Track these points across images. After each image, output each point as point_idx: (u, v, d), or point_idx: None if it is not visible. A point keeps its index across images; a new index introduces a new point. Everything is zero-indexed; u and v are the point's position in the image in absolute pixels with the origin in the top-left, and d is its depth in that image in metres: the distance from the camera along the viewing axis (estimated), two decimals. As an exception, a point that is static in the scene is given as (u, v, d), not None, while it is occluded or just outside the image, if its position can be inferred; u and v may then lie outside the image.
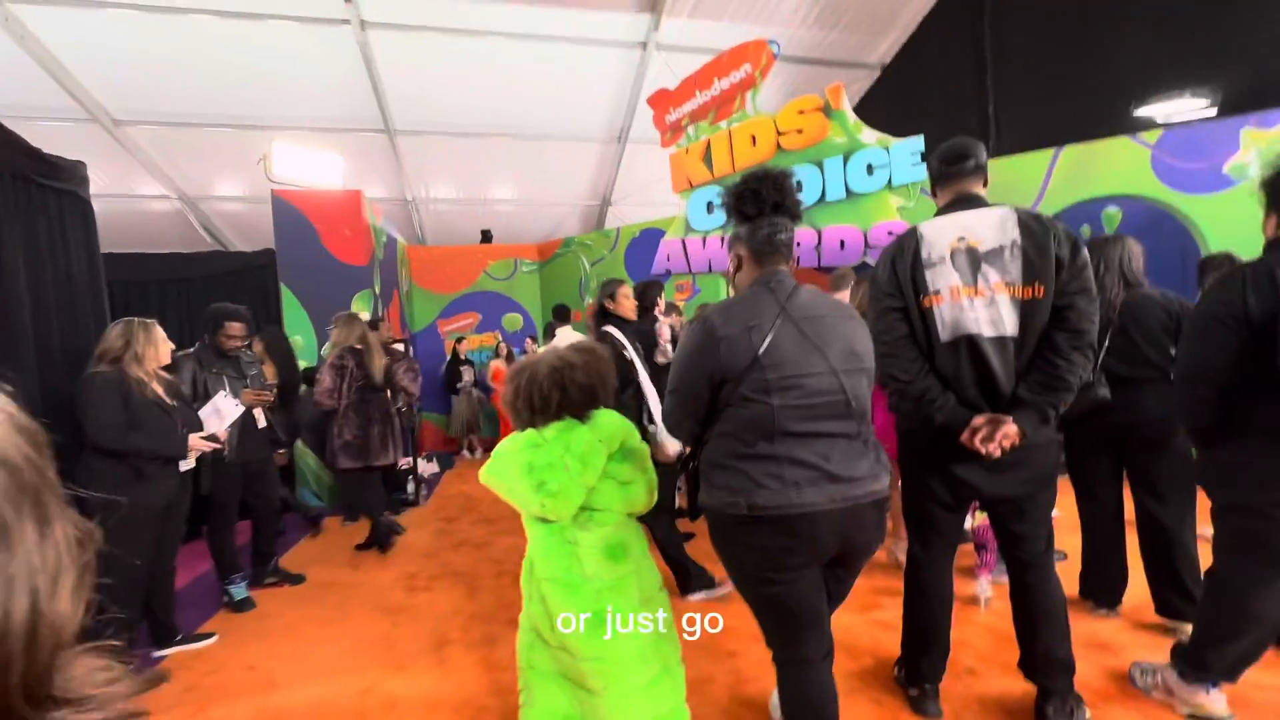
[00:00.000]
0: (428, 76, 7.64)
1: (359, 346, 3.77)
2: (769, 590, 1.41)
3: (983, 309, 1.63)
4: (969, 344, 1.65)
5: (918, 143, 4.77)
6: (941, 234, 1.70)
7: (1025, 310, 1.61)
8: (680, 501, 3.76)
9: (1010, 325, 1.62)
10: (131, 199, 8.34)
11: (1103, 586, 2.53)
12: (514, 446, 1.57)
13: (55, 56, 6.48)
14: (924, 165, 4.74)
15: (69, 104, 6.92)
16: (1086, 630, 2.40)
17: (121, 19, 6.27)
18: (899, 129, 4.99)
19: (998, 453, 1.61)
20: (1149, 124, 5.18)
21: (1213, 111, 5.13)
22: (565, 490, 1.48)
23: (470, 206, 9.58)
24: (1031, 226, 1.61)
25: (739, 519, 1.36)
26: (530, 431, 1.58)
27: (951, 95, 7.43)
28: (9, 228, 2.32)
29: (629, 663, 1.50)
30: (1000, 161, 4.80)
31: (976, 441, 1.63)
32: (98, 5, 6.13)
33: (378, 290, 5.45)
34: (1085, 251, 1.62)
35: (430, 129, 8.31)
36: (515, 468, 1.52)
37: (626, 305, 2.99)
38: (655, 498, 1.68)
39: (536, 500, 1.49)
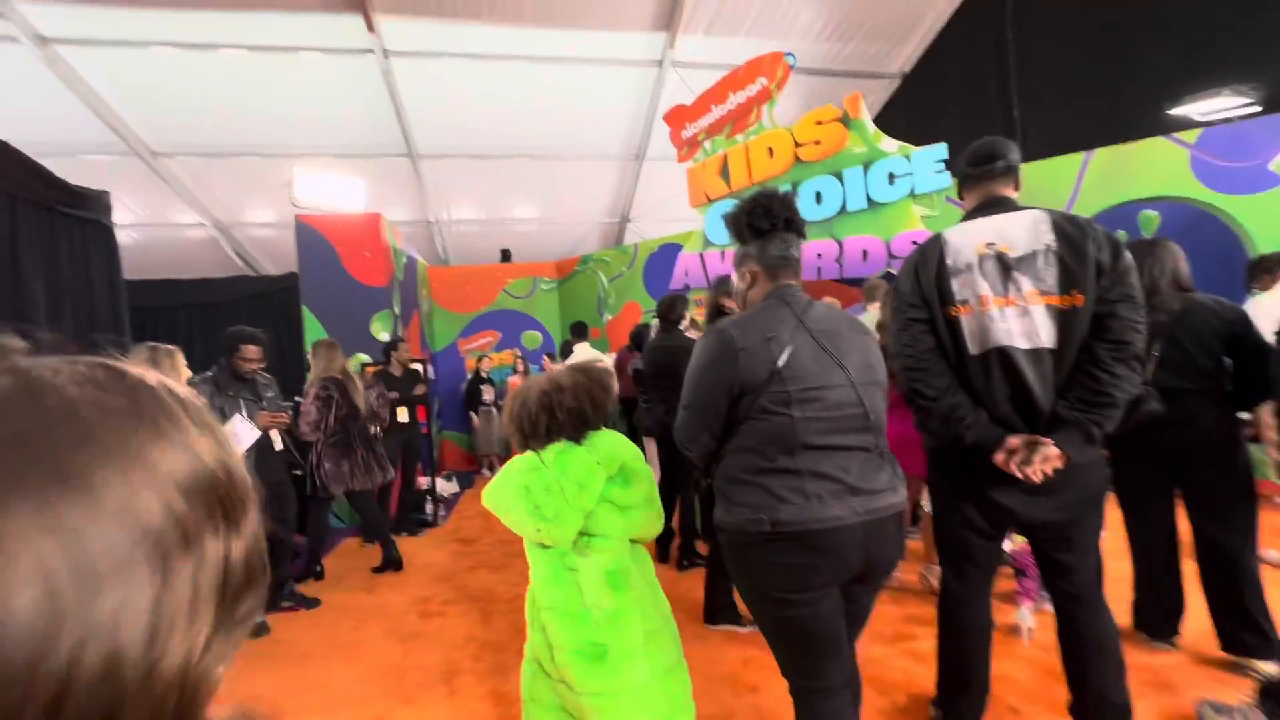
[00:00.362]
0: (448, 101, 7.82)
1: (340, 376, 3.76)
2: (789, 613, 1.35)
3: (1015, 319, 1.51)
4: (1001, 357, 1.53)
5: (940, 150, 4.65)
6: (968, 240, 1.58)
7: (1063, 320, 1.48)
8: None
9: (1047, 336, 1.50)
10: (169, 227, 8.67)
11: (1159, 617, 2.33)
12: (513, 469, 1.53)
13: (98, 94, 6.80)
14: (947, 173, 4.61)
15: (111, 139, 7.25)
16: (1143, 666, 2.21)
17: (161, 56, 6.56)
18: (921, 137, 4.87)
19: (1038, 478, 1.48)
20: (1186, 123, 4.96)
21: (1256, 108, 4.89)
22: (561, 515, 1.43)
23: (491, 226, 9.71)
24: (1067, 230, 1.49)
25: (760, 537, 1.31)
26: (529, 454, 1.53)
27: (975, 101, 7.28)
28: (30, 255, 2.38)
29: (631, 699, 1.41)
30: (1029, 166, 4.60)
31: (1013, 465, 1.50)
32: (139, 44, 6.42)
33: (397, 311, 5.50)
34: (1128, 255, 1.49)
35: (452, 152, 8.47)
36: (512, 490, 1.48)
37: None
38: (662, 524, 1.59)
39: (532, 525, 1.44)
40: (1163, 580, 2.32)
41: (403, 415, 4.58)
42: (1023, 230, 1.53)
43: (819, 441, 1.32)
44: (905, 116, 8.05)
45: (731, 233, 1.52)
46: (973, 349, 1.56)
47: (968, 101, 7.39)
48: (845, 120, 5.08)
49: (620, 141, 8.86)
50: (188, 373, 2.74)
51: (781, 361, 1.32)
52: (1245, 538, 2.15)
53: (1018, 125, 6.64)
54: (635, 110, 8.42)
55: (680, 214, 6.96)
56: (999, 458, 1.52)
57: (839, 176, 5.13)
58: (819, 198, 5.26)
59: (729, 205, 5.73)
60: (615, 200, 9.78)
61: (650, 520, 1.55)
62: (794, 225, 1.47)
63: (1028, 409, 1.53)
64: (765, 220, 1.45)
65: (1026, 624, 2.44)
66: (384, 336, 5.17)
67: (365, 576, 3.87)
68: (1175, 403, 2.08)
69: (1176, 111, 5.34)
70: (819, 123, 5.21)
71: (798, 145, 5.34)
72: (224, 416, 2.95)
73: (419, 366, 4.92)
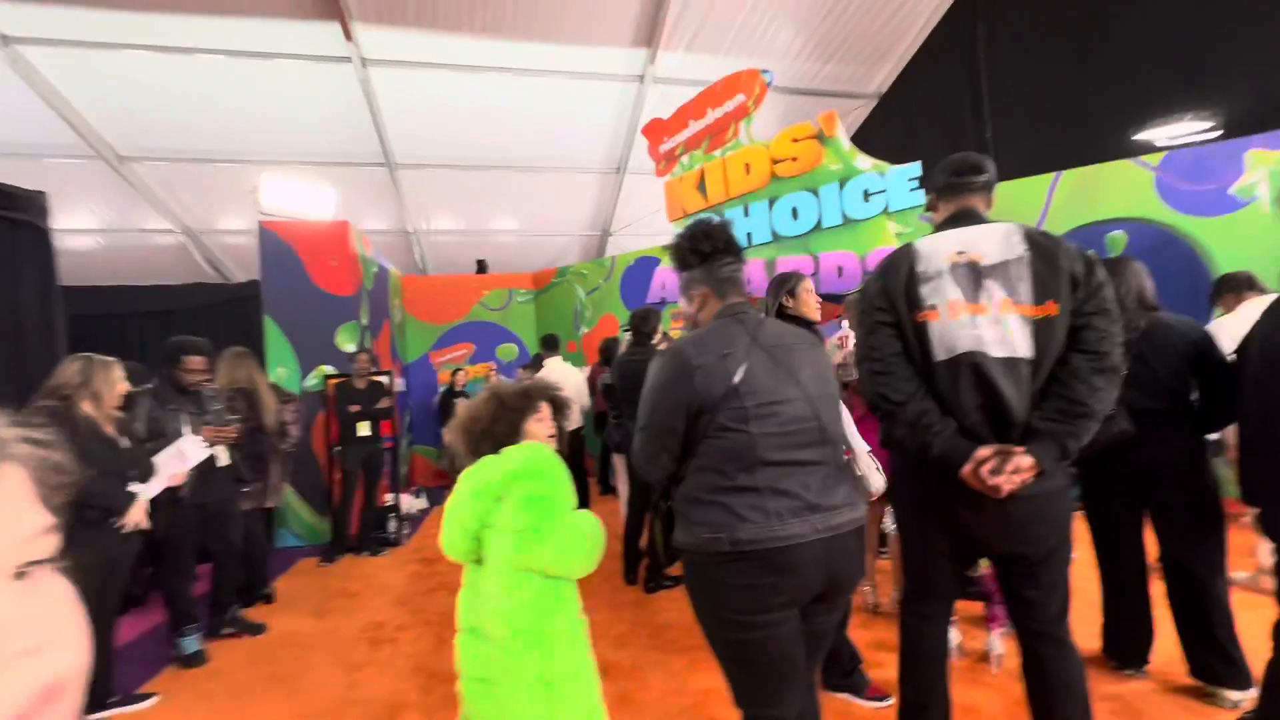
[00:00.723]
0: (428, 111, 7.76)
1: (247, 387, 3.57)
2: (748, 636, 1.31)
3: (987, 326, 1.46)
4: (971, 364, 1.47)
5: (915, 169, 4.68)
6: (939, 248, 1.55)
7: (1039, 330, 1.44)
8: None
9: (1023, 346, 1.45)
10: (137, 233, 8.44)
11: (1128, 643, 2.28)
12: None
13: (63, 96, 6.62)
14: (921, 191, 4.64)
15: (75, 141, 7.04)
16: (1112, 694, 2.15)
17: (131, 59, 6.41)
18: (897, 157, 4.90)
19: (1007, 487, 1.41)
20: (1151, 147, 5.07)
21: (1217, 133, 5.01)
22: (448, 532, 1.46)
23: (471, 237, 9.62)
24: (1040, 242, 1.47)
25: (721, 556, 1.29)
26: None
27: (949, 122, 7.40)
28: (-54, 258, 2.24)
29: None
30: (999, 186, 4.67)
31: (984, 473, 1.43)
32: (108, 46, 6.27)
33: (365, 321, 5.36)
34: (1102, 269, 1.47)
35: (431, 162, 8.40)
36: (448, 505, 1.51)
37: (810, 303, 2.43)
38: (586, 561, 1.43)
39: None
40: (1132, 605, 2.27)
41: (364, 429, 4.43)
42: (994, 241, 1.51)
43: (778, 457, 1.31)
44: (882, 136, 8.16)
45: (675, 261, 1.54)
46: (940, 355, 1.51)
47: (942, 122, 7.52)
48: (821, 138, 5.11)
49: (601, 154, 8.85)
50: (125, 385, 2.59)
51: (738, 378, 1.32)
52: (1213, 561, 2.11)
53: (990, 145, 6.75)
54: (616, 124, 8.43)
55: (662, 228, 6.94)
56: (967, 469, 1.46)
57: (815, 193, 5.14)
58: (795, 213, 5.26)
59: (707, 219, 5.62)
60: (596, 213, 9.76)
61: (549, 553, 1.38)
62: (733, 247, 1.51)
63: (999, 419, 1.47)
64: (708, 244, 1.48)
65: (996, 651, 2.38)
66: (350, 347, 5.02)
67: (320, 599, 3.69)
68: (1143, 423, 2.04)
69: (1142, 135, 5.47)
70: (795, 140, 5.23)
71: (775, 162, 5.35)
72: (164, 431, 2.79)
73: (385, 378, 4.78)
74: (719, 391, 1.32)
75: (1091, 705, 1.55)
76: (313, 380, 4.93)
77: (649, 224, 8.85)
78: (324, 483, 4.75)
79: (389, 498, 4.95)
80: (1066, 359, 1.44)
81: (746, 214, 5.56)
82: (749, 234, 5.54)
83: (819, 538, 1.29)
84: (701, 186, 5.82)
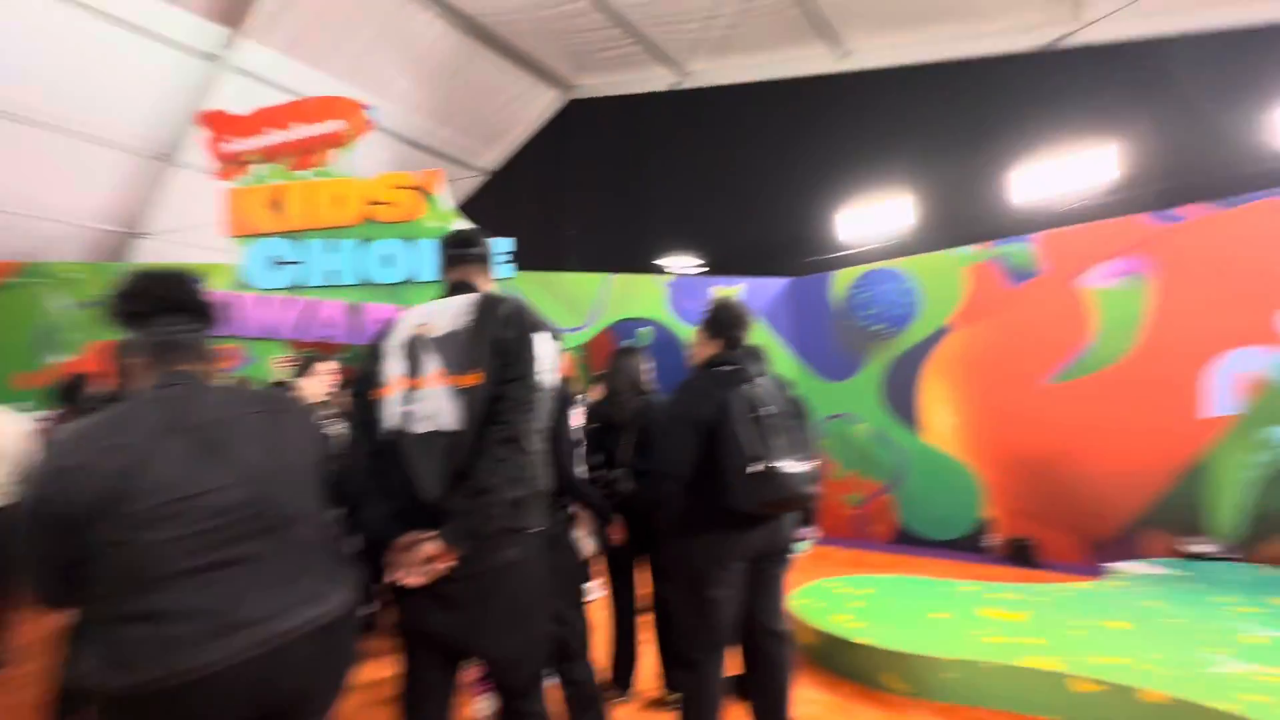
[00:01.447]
0: None
1: None
2: None
3: (419, 401, 1.43)
4: (398, 442, 1.42)
5: (509, 243, 5.11)
6: (407, 322, 1.52)
7: (465, 401, 1.41)
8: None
9: (448, 418, 1.41)
10: None
11: (621, 671, 2.70)
12: None
13: None
14: (512, 264, 5.09)
15: None
16: (606, 723, 2.47)
17: None
18: (498, 232, 5.25)
19: (413, 580, 1.35)
20: (665, 270, 7.03)
21: (704, 269, 7.31)
22: None
23: None
24: (485, 310, 1.48)
25: (115, 700, 1.07)
26: None
27: (543, 213, 8.59)
28: None
29: None
30: (572, 275, 5.61)
31: (397, 568, 1.36)
32: None
33: None
34: (534, 338, 1.51)
35: None
36: None
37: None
38: None
39: None
40: (625, 638, 2.71)
41: None
42: (449, 312, 1.49)
43: (192, 564, 1.09)
44: (486, 210, 8.79)
45: (113, 323, 1.25)
46: (382, 433, 1.45)
47: (538, 211, 8.68)
48: (423, 193, 5.09)
49: (140, 132, 6.73)
50: None
51: (128, 475, 1.08)
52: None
53: (571, 241, 8.11)
54: (170, 101, 6.61)
55: (220, 241, 5.51)
56: (388, 559, 1.38)
57: (413, 244, 5.03)
58: (388, 261, 5.02)
59: (279, 245, 4.81)
60: (121, 204, 7.23)
61: None
62: (185, 305, 1.24)
63: (419, 499, 1.40)
64: (141, 303, 1.22)
65: (483, 715, 2.41)
66: None
67: None
68: (643, 482, 2.52)
69: (663, 260, 7.54)
70: (396, 186, 5.07)
71: (371, 203, 5.04)
72: None
73: None
74: (98, 498, 1.07)
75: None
76: None
77: (204, 234, 7.05)
78: None
79: None
80: (483, 432, 1.41)
81: (336, 249, 5.01)
82: (336, 271, 5.00)
83: (248, 657, 1.09)
84: (280, 207, 4.99)
